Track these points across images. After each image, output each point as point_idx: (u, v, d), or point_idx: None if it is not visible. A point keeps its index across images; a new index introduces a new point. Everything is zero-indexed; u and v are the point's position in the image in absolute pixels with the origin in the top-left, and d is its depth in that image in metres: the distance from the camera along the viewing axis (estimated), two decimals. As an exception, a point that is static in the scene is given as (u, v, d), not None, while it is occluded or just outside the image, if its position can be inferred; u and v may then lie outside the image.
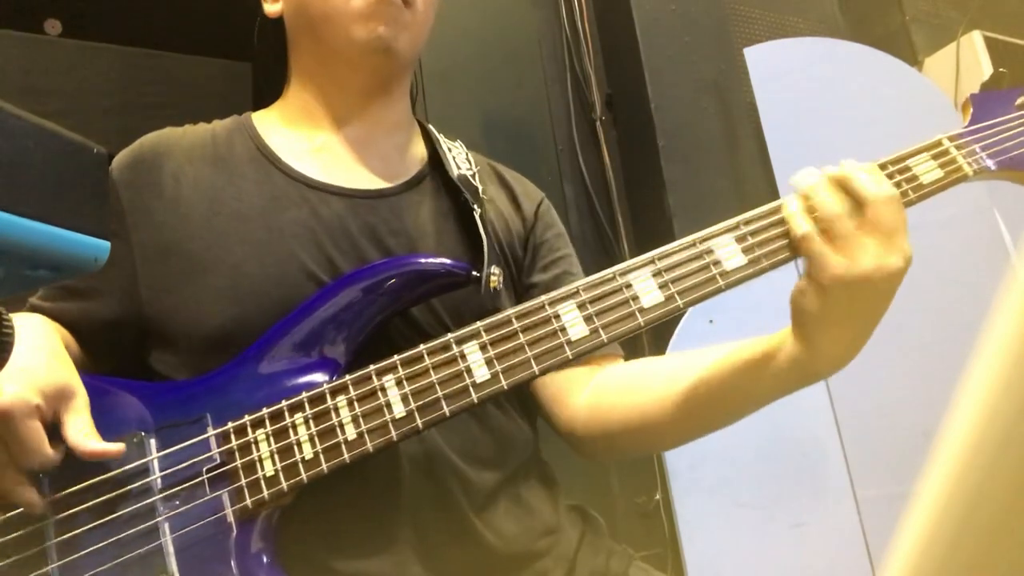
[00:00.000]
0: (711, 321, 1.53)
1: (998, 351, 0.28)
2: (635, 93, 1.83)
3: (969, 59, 2.15)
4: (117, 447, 0.65)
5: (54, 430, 0.65)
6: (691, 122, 1.83)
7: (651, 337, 1.67)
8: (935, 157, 0.75)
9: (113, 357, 0.81)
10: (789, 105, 1.79)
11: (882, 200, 0.64)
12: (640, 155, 1.83)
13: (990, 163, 0.76)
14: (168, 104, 1.45)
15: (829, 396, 1.64)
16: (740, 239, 0.70)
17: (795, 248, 0.67)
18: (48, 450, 0.63)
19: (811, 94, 1.80)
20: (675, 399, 0.75)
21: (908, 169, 0.74)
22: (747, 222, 0.71)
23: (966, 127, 0.78)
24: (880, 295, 0.64)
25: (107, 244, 0.36)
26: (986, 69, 2.06)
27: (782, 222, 0.70)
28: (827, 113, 1.74)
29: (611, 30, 1.92)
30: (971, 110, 0.80)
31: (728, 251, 0.70)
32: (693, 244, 0.71)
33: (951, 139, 0.76)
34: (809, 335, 0.66)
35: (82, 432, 0.64)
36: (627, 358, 0.89)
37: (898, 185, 0.72)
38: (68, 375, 0.67)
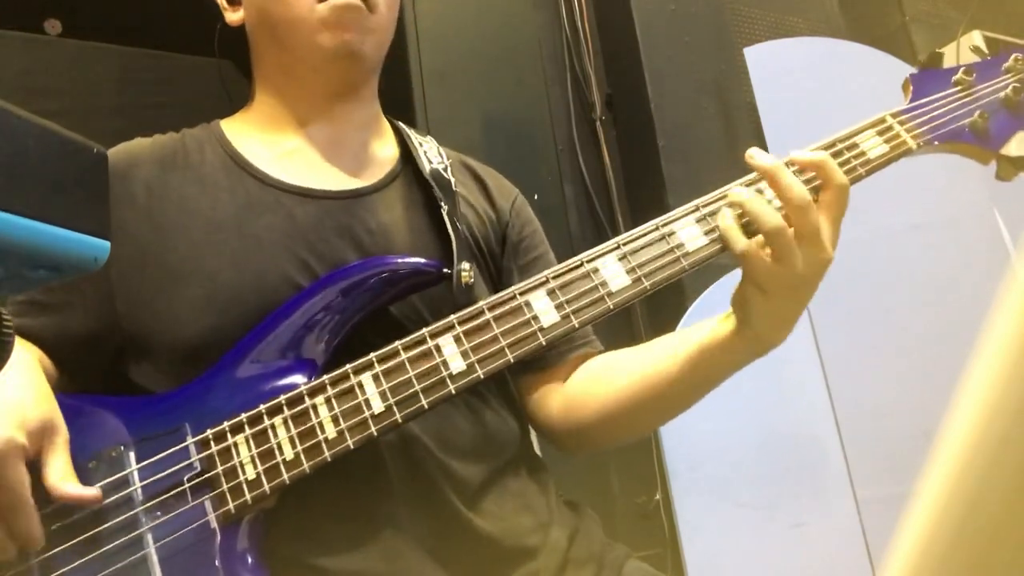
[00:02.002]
0: (711, 321, 1.53)
1: (998, 351, 0.28)
2: (635, 93, 1.83)
3: (969, 59, 2.14)
4: (93, 492, 0.65)
5: (33, 466, 0.64)
6: (691, 122, 1.83)
7: (651, 336, 1.66)
8: (880, 133, 0.79)
9: (89, 372, 0.80)
10: (789, 105, 1.79)
11: (801, 207, 0.67)
12: (640, 155, 1.83)
13: (931, 136, 0.80)
14: (168, 104, 1.45)
15: (829, 396, 1.63)
16: (700, 220, 0.73)
17: (735, 257, 0.70)
18: (27, 494, 0.62)
19: (811, 94, 1.80)
20: (641, 390, 0.80)
21: (856, 146, 0.78)
22: (706, 204, 0.74)
23: (908, 104, 0.83)
24: (814, 283, 0.70)
25: (107, 244, 0.36)
26: (986, 69, 2.05)
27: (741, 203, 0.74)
28: (827, 113, 1.73)
29: (611, 30, 1.92)
30: (911, 88, 0.84)
31: (689, 232, 0.73)
32: (656, 228, 0.74)
33: (894, 115, 0.81)
34: (754, 325, 0.71)
35: (60, 475, 0.64)
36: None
37: (847, 161, 0.76)
38: (52, 412, 0.67)
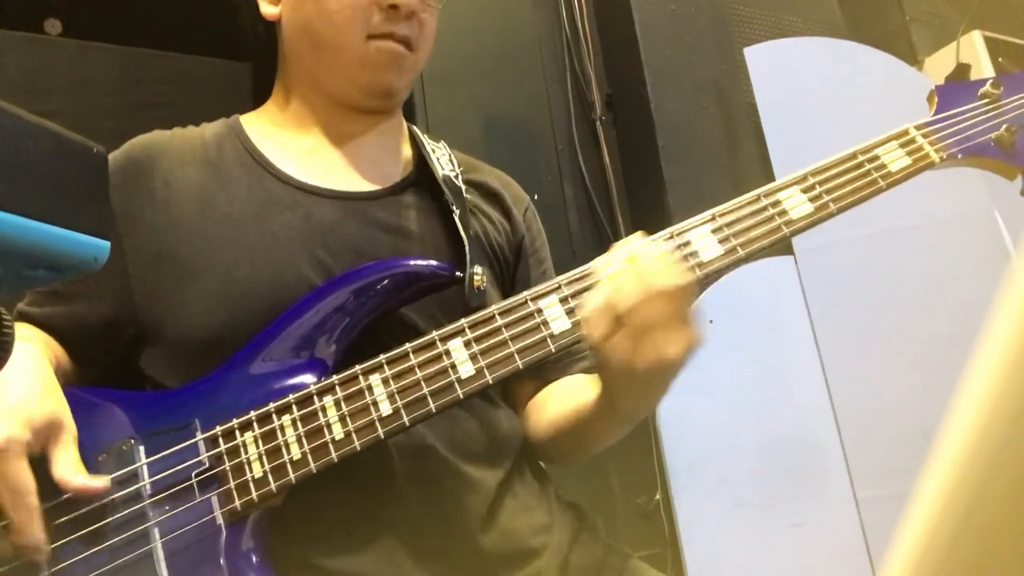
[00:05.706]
0: (711, 321, 1.53)
1: (998, 351, 0.28)
2: (635, 93, 1.83)
3: (969, 59, 2.15)
4: (102, 482, 0.65)
5: (40, 461, 0.64)
6: (691, 122, 1.83)
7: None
8: (903, 145, 0.78)
9: (103, 362, 0.80)
10: (789, 105, 1.79)
11: (652, 296, 0.62)
12: (640, 155, 1.83)
13: (955, 150, 0.78)
14: (168, 104, 1.45)
15: (829, 396, 1.63)
16: (716, 230, 0.73)
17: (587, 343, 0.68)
18: (32, 494, 0.62)
19: (811, 94, 1.80)
20: (558, 426, 0.83)
21: (877, 158, 0.76)
22: (722, 214, 0.74)
23: (932, 117, 0.81)
24: (665, 377, 0.66)
25: (107, 244, 0.36)
26: (986, 69, 2.06)
27: (759, 212, 0.73)
28: (827, 113, 1.74)
29: (611, 30, 1.92)
30: (936, 100, 0.82)
31: (705, 242, 0.73)
32: (671, 236, 0.73)
33: (918, 128, 0.79)
34: (610, 398, 0.71)
35: (68, 468, 0.65)
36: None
37: (868, 173, 0.75)
38: (58, 408, 0.67)
